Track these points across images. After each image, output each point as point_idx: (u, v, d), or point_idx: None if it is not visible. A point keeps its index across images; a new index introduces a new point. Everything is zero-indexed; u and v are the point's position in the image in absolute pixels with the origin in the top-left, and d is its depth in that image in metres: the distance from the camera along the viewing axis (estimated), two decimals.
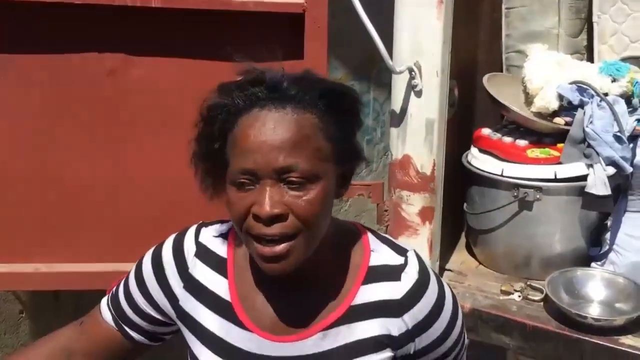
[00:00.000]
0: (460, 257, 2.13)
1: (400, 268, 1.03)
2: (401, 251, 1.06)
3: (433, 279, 1.05)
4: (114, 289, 1.20)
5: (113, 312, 1.17)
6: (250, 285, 1.05)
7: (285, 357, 1.01)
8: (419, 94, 1.73)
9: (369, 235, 1.08)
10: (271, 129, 0.90)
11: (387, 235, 1.11)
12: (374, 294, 1.01)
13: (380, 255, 1.05)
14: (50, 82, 1.73)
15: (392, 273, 1.02)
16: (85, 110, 1.77)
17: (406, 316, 1.01)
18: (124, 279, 1.18)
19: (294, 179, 0.91)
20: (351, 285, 1.02)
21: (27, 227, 1.84)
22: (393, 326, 1.01)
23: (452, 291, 1.09)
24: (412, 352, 1.03)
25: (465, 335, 1.14)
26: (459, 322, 1.09)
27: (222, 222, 1.13)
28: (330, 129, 0.95)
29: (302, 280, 1.00)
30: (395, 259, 1.04)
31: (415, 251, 1.07)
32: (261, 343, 1.02)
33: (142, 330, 1.16)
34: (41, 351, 1.17)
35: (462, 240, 2.24)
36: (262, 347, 1.02)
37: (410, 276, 1.02)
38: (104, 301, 1.20)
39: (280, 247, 0.92)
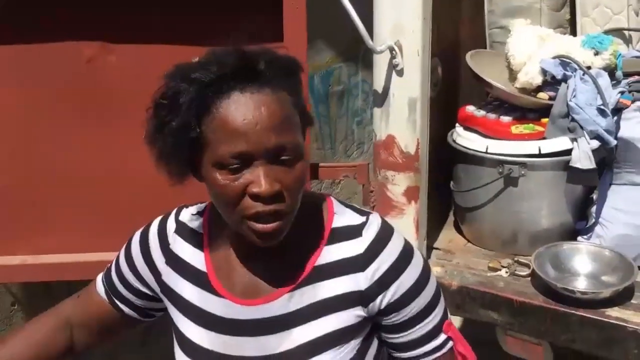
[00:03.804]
0: (448, 236, 2.14)
1: (362, 226, 1.06)
2: (363, 213, 1.09)
3: (397, 235, 1.08)
4: (109, 264, 1.25)
5: (106, 286, 1.23)
6: (223, 257, 1.10)
7: (255, 319, 1.06)
8: (400, 73, 1.72)
9: (334, 202, 1.11)
10: (258, 110, 0.92)
11: (353, 204, 1.14)
12: (338, 253, 1.05)
13: (343, 217, 1.08)
14: (29, 72, 1.72)
15: (354, 231, 1.06)
16: (66, 99, 1.76)
17: (371, 267, 1.03)
18: (117, 256, 1.23)
19: (284, 157, 0.94)
20: (315, 247, 1.06)
21: (12, 219, 1.84)
22: (360, 280, 1.03)
23: (424, 257, 1.11)
24: (382, 306, 1.04)
25: (446, 310, 1.12)
26: (432, 286, 1.08)
27: (200, 203, 1.19)
28: (297, 102, 0.98)
29: (273, 248, 1.02)
30: (357, 219, 1.07)
31: (380, 215, 1.10)
32: (233, 308, 1.07)
33: (132, 305, 1.21)
34: (46, 322, 1.23)
35: (451, 218, 2.24)
36: (235, 312, 1.07)
37: (371, 230, 1.05)
38: (99, 276, 1.26)
39: (275, 225, 0.96)
